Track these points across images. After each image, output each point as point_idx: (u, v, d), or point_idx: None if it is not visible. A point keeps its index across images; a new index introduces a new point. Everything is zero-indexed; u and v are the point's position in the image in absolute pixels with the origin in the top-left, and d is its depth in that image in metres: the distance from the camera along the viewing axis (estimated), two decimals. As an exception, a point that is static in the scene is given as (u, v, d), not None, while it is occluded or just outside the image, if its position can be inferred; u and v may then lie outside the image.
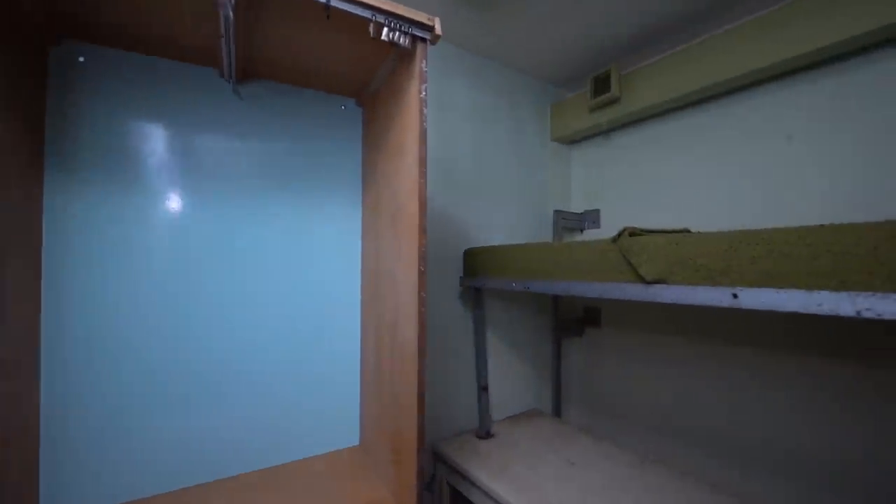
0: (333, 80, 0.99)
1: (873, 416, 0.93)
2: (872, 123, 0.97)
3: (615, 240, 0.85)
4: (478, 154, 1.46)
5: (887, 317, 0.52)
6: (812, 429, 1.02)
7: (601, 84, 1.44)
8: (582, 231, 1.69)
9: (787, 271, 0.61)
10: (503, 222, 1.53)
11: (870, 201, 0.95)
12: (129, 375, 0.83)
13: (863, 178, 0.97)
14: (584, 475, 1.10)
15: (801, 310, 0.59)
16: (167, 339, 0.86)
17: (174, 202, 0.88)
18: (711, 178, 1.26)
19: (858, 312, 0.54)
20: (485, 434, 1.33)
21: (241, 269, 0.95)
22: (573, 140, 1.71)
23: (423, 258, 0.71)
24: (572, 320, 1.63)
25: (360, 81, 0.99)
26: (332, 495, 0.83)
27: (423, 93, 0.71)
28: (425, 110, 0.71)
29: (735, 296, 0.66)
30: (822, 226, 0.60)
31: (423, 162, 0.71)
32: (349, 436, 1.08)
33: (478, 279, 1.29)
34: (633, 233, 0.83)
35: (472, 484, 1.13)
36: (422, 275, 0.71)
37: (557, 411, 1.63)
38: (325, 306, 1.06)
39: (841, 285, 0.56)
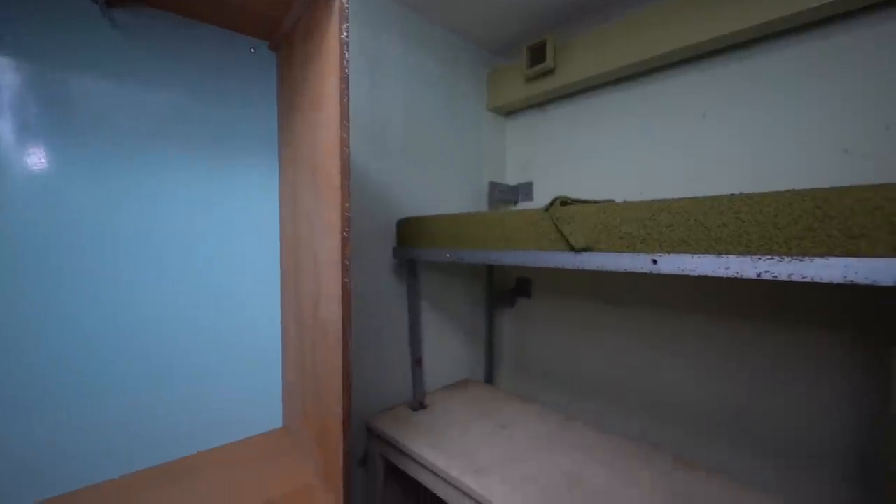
0: (240, 16, 0.84)
1: (750, 372, 1.07)
2: (778, 102, 1.06)
3: (547, 209, 0.84)
4: (411, 120, 1.38)
5: (782, 278, 0.57)
6: (701, 383, 1.15)
7: (537, 54, 1.42)
8: (515, 203, 1.70)
9: (700, 238, 0.65)
10: (438, 194, 1.48)
11: (777, 172, 1.05)
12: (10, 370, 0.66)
13: (772, 151, 1.06)
14: (513, 436, 1.14)
15: (711, 273, 0.63)
16: (45, 330, 0.71)
17: (40, 160, 0.70)
18: (637, 151, 1.32)
19: (759, 274, 0.59)
20: (418, 405, 1.33)
21: (135, 243, 0.80)
22: (509, 111, 1.70)
23: (346, 223, 0.64)
24: (505, 292, 1.66)
25: (273, 20, 0.85)
26: (254, 482, 0.75)
27: (345, 33, 0.62)
28: (347, 54, 0.62)
29: (654, 261, 0.69)
30: (731, 195, 0.63)
31: (345, 114, 0.63)
32: (272, 419, 1.00)
33: (411, 250, 1.24)
34: (565, 202, 0.84)
35: (406, 455, 1.12)
36: (345, 242, 0.64)
37: (490, 379, 1.68)
38: (240, 281, 0.95)
39: (745, 250, 0.60)
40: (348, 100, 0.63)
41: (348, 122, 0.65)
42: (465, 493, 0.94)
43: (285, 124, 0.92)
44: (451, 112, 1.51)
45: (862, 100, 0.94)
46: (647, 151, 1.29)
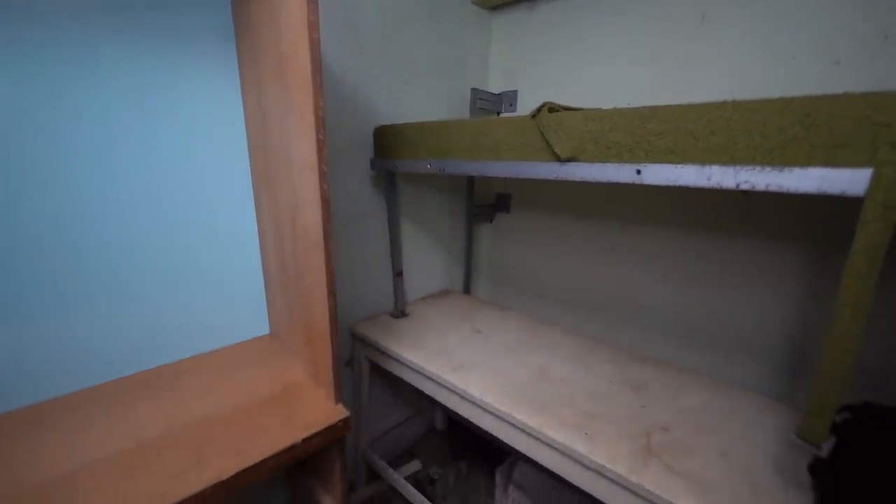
0: None
1: (705, 278, 1.16)
2: (769, 11, 0.99)
3: (534, 115, 0.80)
4: (387, 12, 1.21)
5: (760, 188, 0.58)
6: (658, 288, 1.25)
7: (531, -70, 1.23)
8: (499, 113, 1.62)
9: (687, 147, 0.64)
10: (418, 100, 1.38)
11: (769, 82, 1.02)
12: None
13: (771, 56, 1.01)
14: (489, 339, 1.23)
15: (692, 184, 0.64)
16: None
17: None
18: (631, 58, 1.24)
19: (738, 185, 0.60)
20: (400, 314, 1.39)
21: (87, 154, 0.72)
22: (495, 5, 1.52)
23: (321, 123, 0.59)
24: (485, 206, 1.66)
25: None
26: (244, 382, 0.80)
27: None
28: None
29: (638, 172, 0.69)
30: (723, 102, 0.62)
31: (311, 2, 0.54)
32: (258, 326, 1.03)
33: (390, 161, 1.19)
34: (552, 108, 0.79)
35: (389, 356, 1.20)
36: (321, 144, 0.60)
37: (468, 290, 1.76)
38: (207, 191, 0.89)
39: (729, 160, 0.60)
40: (315, -28, 0.54)
41: (318, 6, 0.56)
42: (444, 387, 1.04)
43: (240, 9, 0.79)
44: (432, 5, 1.34)
45: (857, 10, 0.89)
46: (641, 58, 1.22)
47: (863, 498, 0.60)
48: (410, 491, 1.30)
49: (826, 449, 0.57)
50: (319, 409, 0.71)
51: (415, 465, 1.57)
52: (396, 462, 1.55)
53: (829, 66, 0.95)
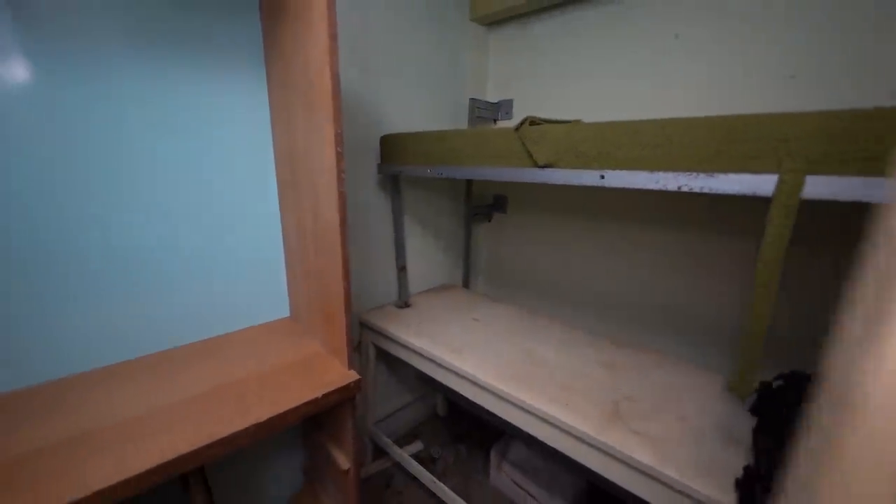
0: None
1: (686, 271, 1.28)
2: (733, 28, 1.12)
3: (517, 128, 0.94)
4: (393, 35, 1.36)
5: (696, 190, 0.71)
6: (635, 280, 1.38)
7: (522, -42, 1.37)
8: (496, 121, 1.76)
9: (641, 156, 0.77)
10: (420, 110, 1.52)
11: (743, 94, 1.14)
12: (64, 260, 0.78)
13: (739, 72, 1.13)
14: (486, 326, 1.37)
15: (643, 186, 0.77)
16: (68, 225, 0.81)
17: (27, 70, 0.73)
18: (613, 71, 1.37)
19: (679, 187, 0.73)
20: (403, 304, 1.53)
21: (140, 155, 0.87)
22: (493, 21, 1.66)
23: (339, 139, 0.74)
24: (483, 207, 1.80)
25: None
26: (272, 352, 0.95)
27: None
28: (333, -27, 0.66)
29: (602, 177, 0.83)
30: (666, 119, 0.75)
31: (333, 34, 0.68)
32: (280, 309, 1.17)
33: (394, 166, 1.33)
34: (533, 122, 0.93)
35: (394, 341, 1.34)
36: (339, 156, 0.75)
37: (467, 284, 1.89)
38: (241, 197, 1.04)
39: (672, 167, 0.74)
40: (336, 22, 0.68)
41: (337, 44, 0.70)
42: (443, 367, 1.18)
43: (270, 37, 0.94)
44: (434, 23, 1.48)
45: (812, 32, 1.02)
46: (623, 72, 1.35)
47: (774, 437, 0.72)
48: (414, 466, 1.43)
49: (749, 403, 0.69)
50: (335, 373, 0.85)
51: (417, 446, 1.70)
52: (400, 442, 1.69)
53: (785, 80, 1.07)
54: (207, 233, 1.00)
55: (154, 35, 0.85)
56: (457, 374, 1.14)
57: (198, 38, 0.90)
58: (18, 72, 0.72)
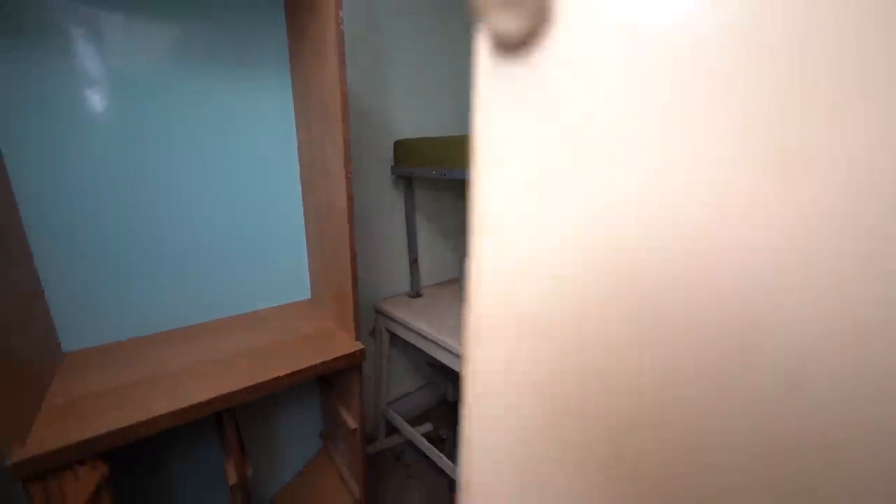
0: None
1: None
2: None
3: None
4: (407, 47, 1.52)
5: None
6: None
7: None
8: (504, 126, 1.88)
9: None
10: (432, 115, 1.67)
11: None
12: (108, 236, 0.99)
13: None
14: (485, 316, 1.49)
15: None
16: (126, 205, 1.02)
17: (102, 85, 0.94)
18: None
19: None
20: (415, 294, 1.68)
21: (190, 148, 1.07)
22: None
23: (348, 146, 0.90)
24: (491, 206, 1.92)
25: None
26: (294, 325, 1.13)
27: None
28: (341, 13, 0.81)
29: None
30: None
31: (342, 62, 0.84)
32: (302, 291, 1.36)
33: (406, 168, 1.49)
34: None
35: (406, 328, 1.49)
36: (347, 161, 0.91)
37: (477, 279, 2.01)
38: (272, 195, 1.23)
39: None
40: (345, 54, 0.84)
41: (346, 76, 0.86)
42: (450, 352, 1.31)
43: (296, 61, 1.11)
44: (444, 38, 1.63)
45: None
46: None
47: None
48: (423, 443, 1.57)
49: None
50: (344, 344, 1.01)
51: (426, 427, 1.84)
52: (411, 423, 1.83)
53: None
54: (246, 224, 1.20)
55: (201, 56, 1.04)
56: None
57: (235, 57, 1.09)
58: (105, 91, 0.93)
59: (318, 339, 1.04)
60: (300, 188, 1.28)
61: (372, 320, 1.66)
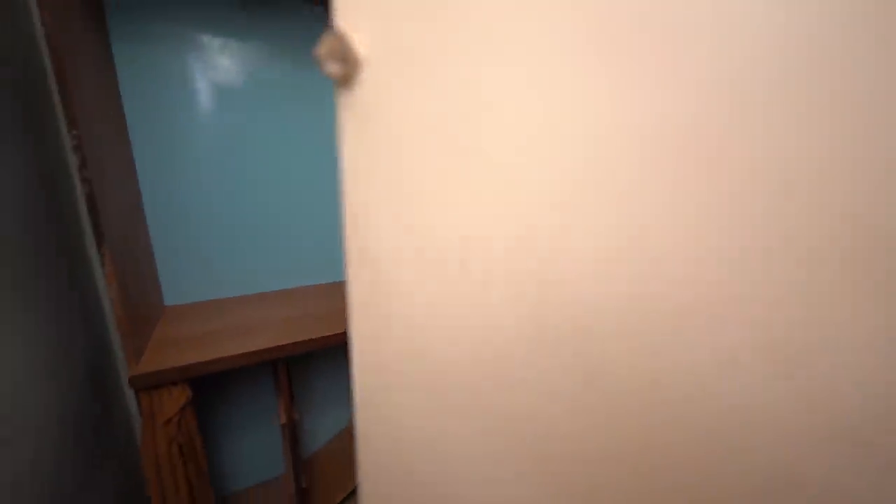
0: None
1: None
2: None
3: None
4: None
5: None
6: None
7: None
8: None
9: None
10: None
11: None
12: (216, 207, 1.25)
13: None
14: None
15: None
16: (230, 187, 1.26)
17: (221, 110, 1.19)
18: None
19: None
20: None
21: (284, 147, 1.31)
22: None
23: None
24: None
25: None
26: (331, 301, 1.31)
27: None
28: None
29: None
30: None
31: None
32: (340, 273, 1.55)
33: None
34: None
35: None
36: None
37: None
38: (327, 188, 1.43)
39: None
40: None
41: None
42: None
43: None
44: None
45: None
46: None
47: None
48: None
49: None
50: (377, 316, 1.17)
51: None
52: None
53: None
54: (316, 212, 1.41)
55: (289, 70, 1.27)
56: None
57: (305, 89, 1.31)
58: (210, 96, 1.18)
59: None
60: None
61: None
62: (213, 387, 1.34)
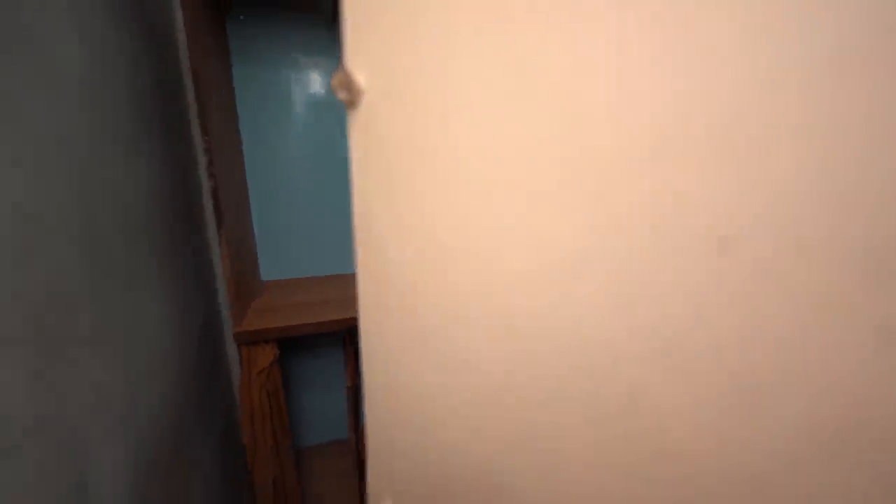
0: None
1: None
2: None
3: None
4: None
5: None
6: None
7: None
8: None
9: None
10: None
11: None
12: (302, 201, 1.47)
13: None
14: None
15: None
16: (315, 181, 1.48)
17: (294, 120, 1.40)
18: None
19: None
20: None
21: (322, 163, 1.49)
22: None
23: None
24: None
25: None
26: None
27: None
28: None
29: None
30: None
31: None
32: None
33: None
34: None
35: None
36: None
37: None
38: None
39: None
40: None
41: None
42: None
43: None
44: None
45: None
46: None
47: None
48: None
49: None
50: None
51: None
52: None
53: None
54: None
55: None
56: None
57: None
58: (301, 102, 1.39)
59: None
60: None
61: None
62: (296, 348, 1.57)
